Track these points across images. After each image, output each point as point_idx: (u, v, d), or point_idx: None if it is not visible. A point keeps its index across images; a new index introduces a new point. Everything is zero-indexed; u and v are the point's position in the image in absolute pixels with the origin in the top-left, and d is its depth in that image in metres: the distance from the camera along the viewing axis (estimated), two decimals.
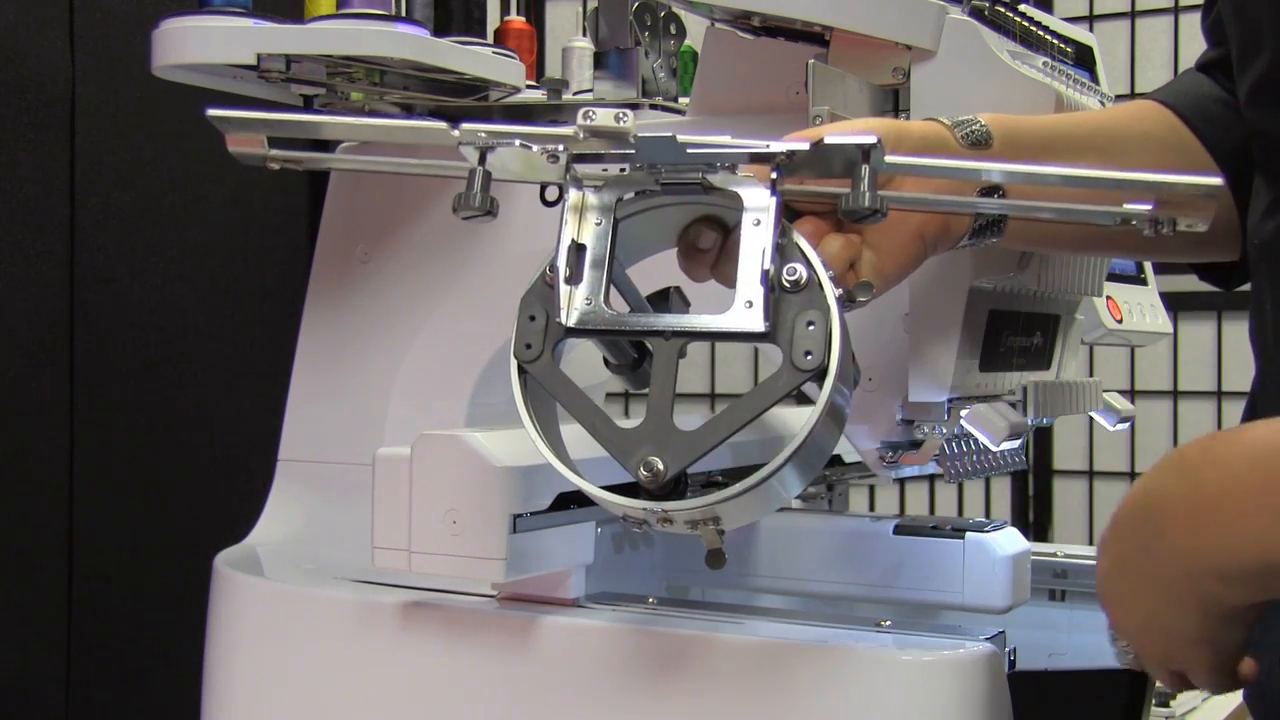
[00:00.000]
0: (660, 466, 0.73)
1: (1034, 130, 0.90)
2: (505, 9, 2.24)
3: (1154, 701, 1.20)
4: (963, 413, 0.97)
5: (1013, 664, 0.95)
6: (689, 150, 0.78)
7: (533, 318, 0.78)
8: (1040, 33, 1.07)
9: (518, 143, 0.79)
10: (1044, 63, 1.02)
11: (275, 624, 1.08)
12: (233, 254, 2.17)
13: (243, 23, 1.14)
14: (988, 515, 2.44)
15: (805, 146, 0.76)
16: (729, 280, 0.78)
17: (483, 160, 0.79)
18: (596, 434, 0.75)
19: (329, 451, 1.25)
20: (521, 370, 0.78)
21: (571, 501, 0.98)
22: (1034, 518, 2.60)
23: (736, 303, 0.74)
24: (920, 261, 0.85)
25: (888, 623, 0.93)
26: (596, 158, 0.79)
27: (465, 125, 0.80)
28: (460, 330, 1.20)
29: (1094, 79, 1.14)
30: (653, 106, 1.22)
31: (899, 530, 1.05)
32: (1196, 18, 2.68)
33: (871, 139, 0.75)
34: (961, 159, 0.81)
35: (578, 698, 0.93)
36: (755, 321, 0.74)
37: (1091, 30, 1.89)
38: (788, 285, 0.75)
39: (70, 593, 1.94)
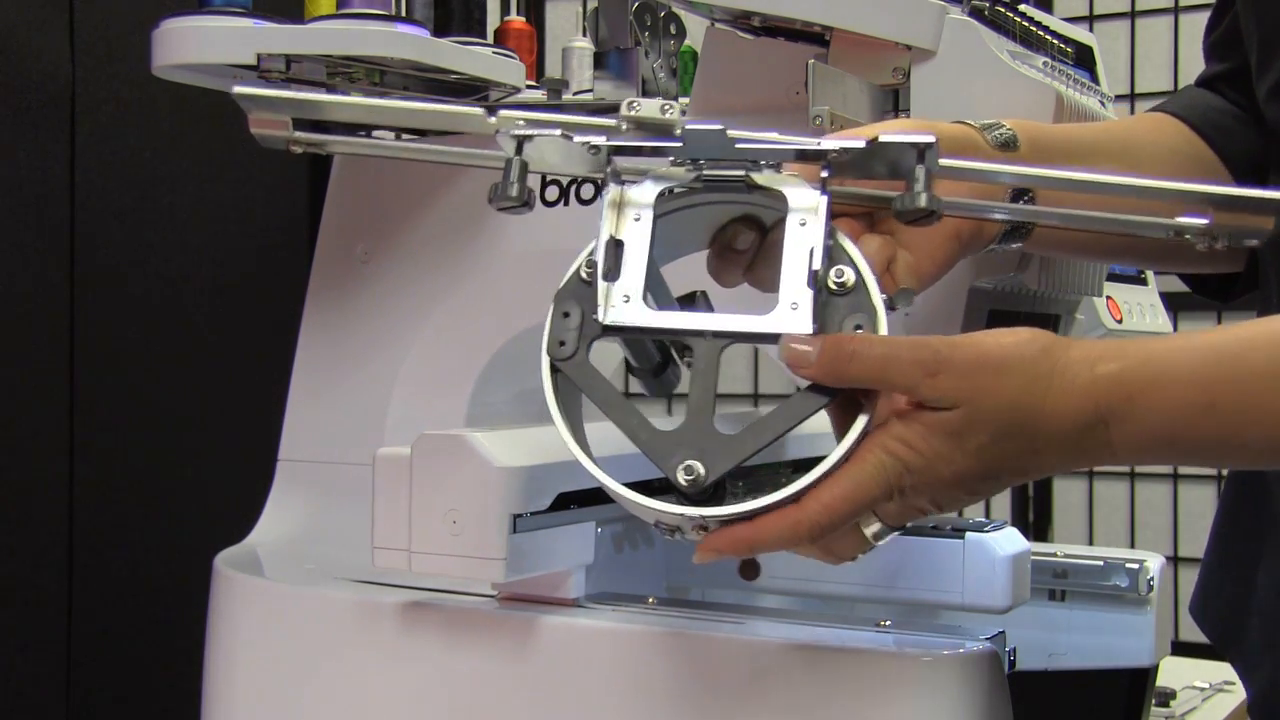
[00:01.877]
0: (701, 471, 0.71)
1: (1055, 136, 0.89)
2: (505, 9, 2.24)
3: (1154, 701, 1.20)
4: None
5: (1013, 664, 0.95)
6: (737, 145, 0.75)
7: (567, 314, 0.75)
8: (1040, 33, 1.07)
9: (558, 132, 0.76)
10: (1044, 63, 1.03)
11: (275, 624, 1.08)
12: (233, 254, 2.17)
13: (243, 23, 1.14)
14: (988, 515, 2.44)
15: (860, 144, 0.74)
16: (764, 284, 0.76)
17: (519, 150, 0.76)
18: (633, 435, 0.73)
19: (329, 451, 1.25)
20: (554, 369, 0.75)
21: (572, 501, 0.98)
22: (1034, 518, 2.61)
23: (781, 304, 0.72)
24: (955, 262, 0.84)
25: (888, 623, 0.93)
26: (640, 150, 0.76)
27: (503, 112, 0.77)
28: (460, 330, 1.20)
29: (1094, 79, 1.14)
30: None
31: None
32: (1196, 18, 2.67)
33: (929, 138, 0.73)
34: (1014, 164, 0.79)
35: (578, 698, 0.93)
36: (802, 323, 0.72)
37: (1091, 30, 1.89)
38: (835, 287, 0.73)
39: (70, 593, 1.94)
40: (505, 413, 1.23)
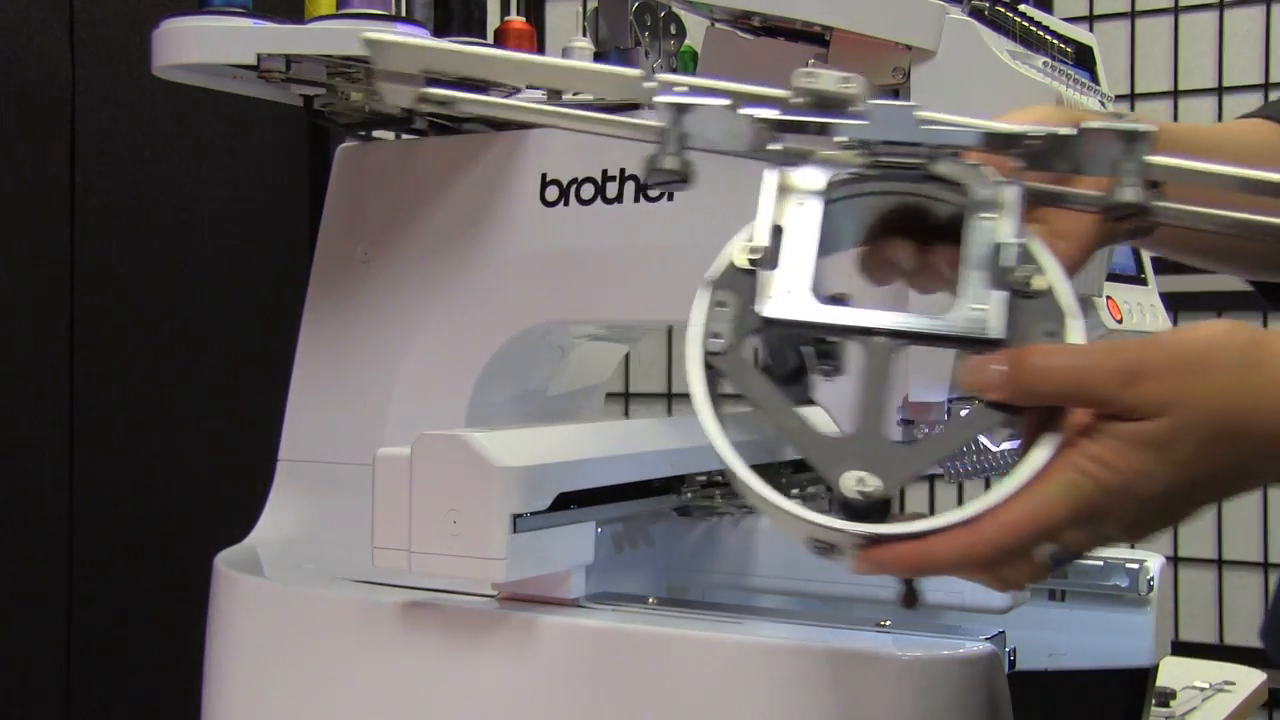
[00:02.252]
0: (876, 484, 0.64)
1: (1181, 133, 0.86)
2: (505, 9, 2.24)
3: (1154, 701, 1.20)
4: (963, 413, 0.97)
5: (1013, 664, 0.95)
6: (923, 127, 0.69)
7: (722, 304, 0.68)
8: (1040, 33, 1.07)
9: (725, 101, 0.70)
10: (1044, 63, 1.03)
11: (275, 624, 1.08)
12: (233, 254, 2.17)
13: (243, 23, 1.14)
14: None
15: (1070, 130, 0.67)
16: (925, 287, 0.72)
17: (679, 120, 0.70)
18: (796, 441, 0.66)
19: (329, 451, 1.25)
20: (706, 363, 0.68)
21: (572, 501, 0.98)
22: None
23: (961, 305, 0.66)
24: (1098, 249, 0.77)
25: (888, 623, 0.93)
26: (815, 127, 0.69)
27: (663, 75, 0.71)
28: (460, 330, 1.20)
29: (1094, 79, 1.14)
30: (653, 106, 1.21)
31: None
32: (1196, 17, 2.67)
33: (1149, 126, 0.67)
34: (1225, 165, 0.71)
35: (578, 698, 0.93)
36: (992, 327, 0.65)
37: (1091, 30, 1.89)
38: (1024, 290, 0.66)
39: (70, 593, 1.94)
40: (505, 413, 1.23)
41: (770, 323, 0.68)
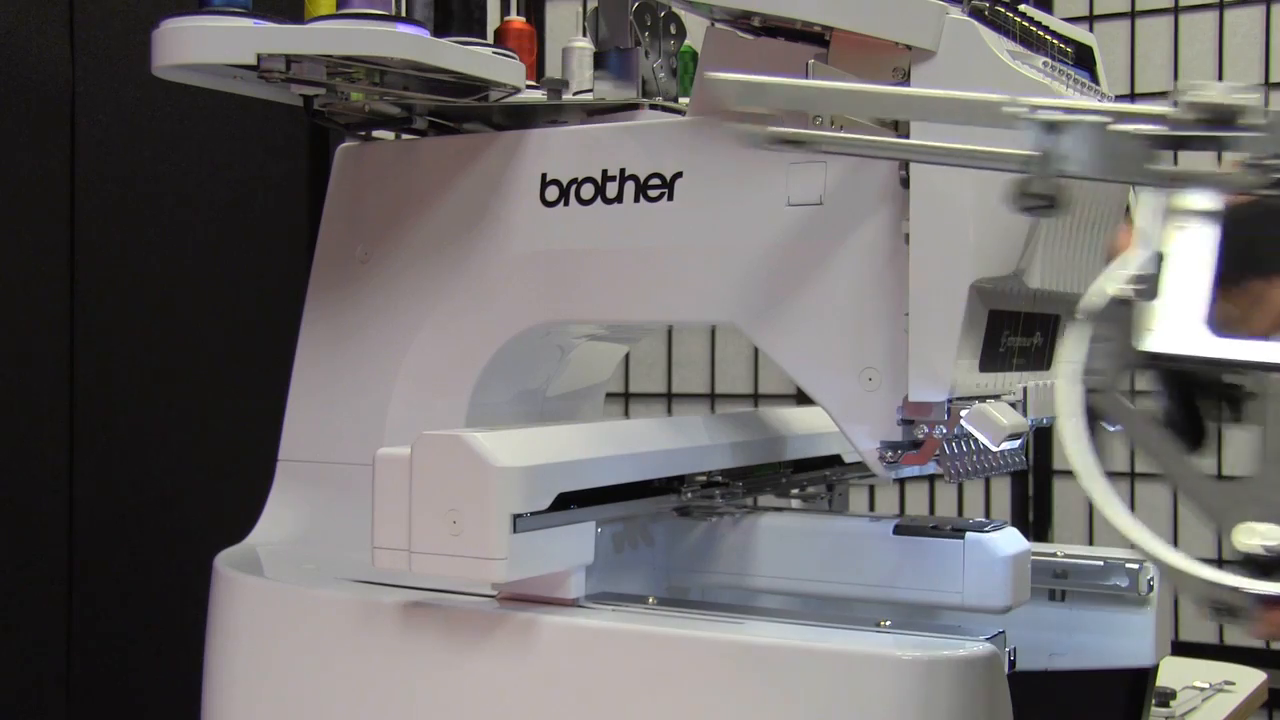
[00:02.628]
0: None
1: None
2: (505, 9, 2.24)
3: (1154, 701, 1.20)
4: (963, 413, 0.97)
5: (1013, 664, 0.95)
6: None
7: (1101, 338, 0.63)
8: (1040, 33, 1.07)
9: (1103, 119, 0.65)
10: (1044, 63, 1.03)
11: (275, 624, 1.08)
12: (233, 254, 2.17)
13: (243, 23, 1.14)
14: (987, 515, 2.42)
15: None
16: None
17: (1051, 142, 0.66)
18: (1187, 488, 0.61)
19: (329, 451, 1.25)
20: (1089, 406, 0.63)
21: (572, 501, 0.98)
22: (1034, 518, 2.60)
23: None
24: None
25: (888, 623, 0.93)
26: (1205, 142, 0.64)
27: (1025, 98, 0.67)
28: (460, 330, 1.20)
29: (1094, 79, 1.14)
30: (653, 106, 1.22)
31: (899, 530, 1.05)
32: (1196, 17, 2.67)
33: None
34: None
35: (578, 698, 0.93)
36: None
37: (1091, 30, 1.89)
38: None
39: (70, 593, 1.94)
40: (505, 413, 1.23)
41: (1154, 358, 0.63)
